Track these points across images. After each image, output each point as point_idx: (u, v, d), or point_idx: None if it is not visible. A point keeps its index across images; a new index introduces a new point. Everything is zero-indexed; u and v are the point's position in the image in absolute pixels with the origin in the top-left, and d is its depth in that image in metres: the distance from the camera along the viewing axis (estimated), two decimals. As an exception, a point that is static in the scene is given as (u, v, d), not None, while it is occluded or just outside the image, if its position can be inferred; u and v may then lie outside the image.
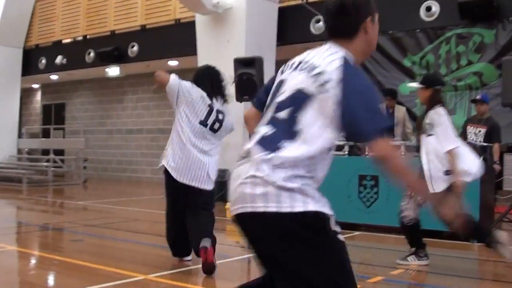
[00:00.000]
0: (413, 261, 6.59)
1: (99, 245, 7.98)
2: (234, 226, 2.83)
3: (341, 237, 2.74)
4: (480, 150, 8.45)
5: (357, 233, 8.93)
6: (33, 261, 7.11)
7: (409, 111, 11.47)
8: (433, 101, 6.34)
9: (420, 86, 6.48)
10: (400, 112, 10.83)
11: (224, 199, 12.20)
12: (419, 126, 6.61)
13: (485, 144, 8.95)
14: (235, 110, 13.02)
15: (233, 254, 7.30)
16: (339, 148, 9.48)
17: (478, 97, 9.94)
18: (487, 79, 11.77)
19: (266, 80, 11.93)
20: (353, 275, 2.74)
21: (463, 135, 9.87)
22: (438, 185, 6.06)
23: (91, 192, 17.23)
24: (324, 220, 2.73)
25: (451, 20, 12.29)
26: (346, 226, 8.97)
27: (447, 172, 6.07)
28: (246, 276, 6.45)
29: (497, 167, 9.20)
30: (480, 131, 9.63)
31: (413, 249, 6.67)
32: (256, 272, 6.37)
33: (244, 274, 6.50)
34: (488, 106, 9.96)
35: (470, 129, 9.80)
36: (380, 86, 12.52)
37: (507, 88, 8.95)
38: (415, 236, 6.71)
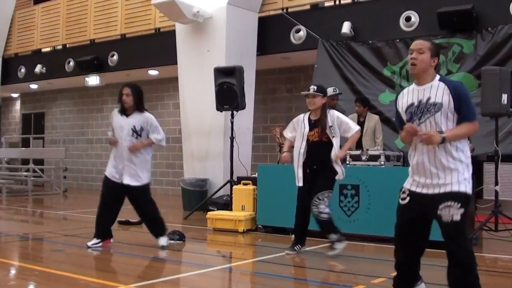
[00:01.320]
0: (339, 245, 7.57)
1: (79, 255, 7.93)
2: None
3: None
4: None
5: (338, 242, 8.93)
6: (12, 272, 7.05)
7: (388, 120, 11.52)
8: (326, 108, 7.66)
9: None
10: (371, 121, 10.89)
11: (205, 208, 12.20)
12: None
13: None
14: (215, 119, 13.13)
15: (215, 264, 7.28)
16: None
17: None
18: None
19: (246, 89, 11.97)
20: None
21: None
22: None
23: (71, 202, 17.13)
24: None
25: (431, 30, 12.37)
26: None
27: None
28: (228, 286, 6.44)
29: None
30: None
31: (335, 236, 7.54)
32: (237, 281, 6.37)
33: (225, 284, 6.50)
34: None
35: None
36: (360, 96, 12.58)
37: (486, 98, 9.03)
38: (332, 225, 7.60)
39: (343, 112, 12.34)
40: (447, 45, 12.12)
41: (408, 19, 12.66)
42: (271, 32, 14.62)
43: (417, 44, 4.68)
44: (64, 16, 19.61)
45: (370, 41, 13.08)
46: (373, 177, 8.91)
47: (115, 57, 17.85)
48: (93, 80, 18.48)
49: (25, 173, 19.55)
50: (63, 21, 19.61)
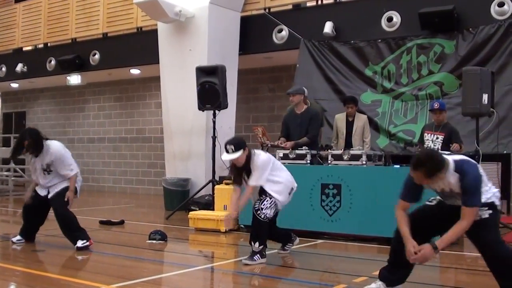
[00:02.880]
0: (259, 260, 7.04)
1: (61, 256, 7.89)
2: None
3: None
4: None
5: (320, 241, 8.96)
6: (-7, 272, 7.01)
7: (370, 120, 11.55)
8: None
9: None
10: (360, 120, 10.90)
11: (187, 208, 12.18)
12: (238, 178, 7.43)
13: (446, 152, 9.02)
14: (197, 118, 13.12)
15: (197, 264, 7.27)
16: (301, 157, 9.51)
17: (435, 106, 9.92)
18: (447, 88, 11.90)
19: (228, 88, 11.97)
20: None
21: (420, 142, 9.97)
22: None
23: (52, 202, 17.01)
24: None
25: (412, 31, 12.43)
26: (309, 235, 9.02)
27: None
28: (210, 286, 6.44)
29: None
30: (437, 138, 9.71)
31: (260, 247, 7.06)
32: (219, 281, 6.36)
33: (207, 283, 6.49)
34: (446, 113, 10.08)
35: (427, 136, 9.88)
36: (342, 96, 12.61)
37: (467, 98, 9.09)
38: (265, 233, 7.18)
39: (324, 112, 12.46)
40: (429, 45, 12.19)
41: (389, 19, 12.72)
42: (253, 32, 14.63)
43: (415, 177, 5.02)
44: (45, 14, 19.50)
45: (352, 41, 13.12)
46: (355, 176, 8.93)
47: (97, 56, 17.78)
48: (74, 79, 18.40)
49: (6, 173, 19.43)
50: (44, 19, 19.50)
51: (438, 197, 5.38)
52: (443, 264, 7.66)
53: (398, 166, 8.76)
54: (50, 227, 8.90)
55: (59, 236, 8.46)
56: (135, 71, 18.18)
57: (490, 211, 5.10)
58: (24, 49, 20.67)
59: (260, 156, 7.22)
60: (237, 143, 7.09)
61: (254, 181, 7.15)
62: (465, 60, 11.65)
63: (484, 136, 10.51)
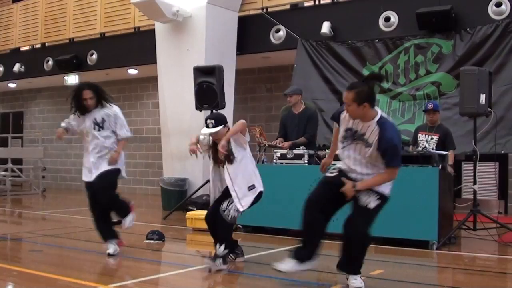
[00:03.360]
0: (220, 265, 6.70)
1: (58, 255, 7.90)
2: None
3: None
4: (439, 158, 8.54)
5: (317, 241, 8.94)
6: (-10, 272, 7.01)
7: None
8: None
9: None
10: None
11: (184, 208, 12.18)
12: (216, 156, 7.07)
13: (444, 152, 9.04)
14: (195, 118, 13.10)
15: (194, 264, 7.27)
16: (299, 157, 9.51)
17: (429, 106, 9.95)
18: (445, 88, 11.91)
19: (225, 88, 11.96)
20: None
21: (414, 142, 9.97)
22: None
23: (50, 202, 17.03)
24: None
25: (410, 31, 12.43)
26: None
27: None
28: (207, 286, 6.44)
29: (450, 170, 9.29)
30: (432, 139, 9.73)
31: (224, 252, 6.77)
32: (216, 281, 6.37)
33: (205, 284, 6.49)
34: (440, 114, 10.12)
35: (422, 137, 9.89)
36: (340, 96, 12.62)
37: (465, 98, 9.08)
38: (230, 234, 6.97)
39: (321, 112, 12.47)
40: (426, 45, 12.20)
41: (387, 19, 12.73)
42: (250, 32, 14.63)
43: (344, 97, 5.54)
44: (43, 14, 19.48)
45: (349, 41, 13.12)
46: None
47: (94, 56, 17.78)
48: (72, 79, 18.37)
49: (3, 173, 19.39)
50: (42, 19, 19.49)
51: (338, 167, 5.91)
52: (440, 264, 7.67)
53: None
54: (48, 227, 8.90)
55: (57, 236, 8.46)
56: (132, 71, 18.18)
57: (378, 202, 5.62)
58: (22, 49, 20.65)
59: None
60: (218, 118, 6.95)
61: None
62: (462, 60, 11.66)
63: (482, 136, 10.50)
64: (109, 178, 7.55)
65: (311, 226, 5.91)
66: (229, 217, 6.72)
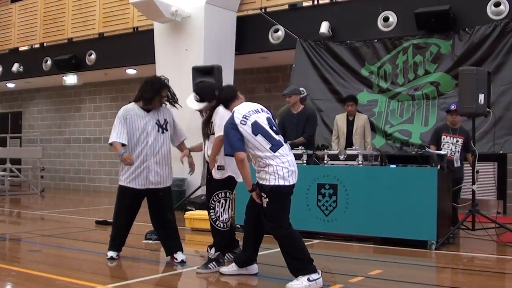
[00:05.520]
0: (214, 268, 6.69)
1: (57, 256, 7.89)
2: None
3: None
4: (438, 159, 8.54)
5: (316, 241, 8.96)
6: (-11, 272, 7.00)
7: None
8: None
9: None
10: (361, 120, 10.91)
11: (183, 208, 12.17)
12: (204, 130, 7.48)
13: (442, 152, 9.02)
14: (193, 118, 13.08)
15: (193, 264, 7.26)
16: (298, 157, 9.50)
17: (452, 107, 9.75)
18: (443, 88, 11.92)
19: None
20: None
21: (435, 143, 9.78)
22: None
23: (49, 202, 17.01)
24: None
25: (408, 31, 12.44)
26: (305, 235, 9.00)
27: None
28: (206, 286, 6.43)
29: (477, 176, 9.25)
30: (457, 141, 9.64)
31: (216, 253, 6.78)
32: (215, 281, 6.37)
33: (203, 284, 6.48)
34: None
35: (447, 139, 9.72)
36: (338, 96, 12.63)
37: (463, 98, 9.08)
38: (223, 240, 6.93)
39: (320, 112, 12.47)
40: (425, 45, 12.21)
41: (386, 19, 12.73)
42: (249, 32, 14.63)
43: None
44: (41, 14, 19.48)
45: (348, 41, 13.13)
46: (351, 176, 8.93)
47: (93, 56, 17.78)
48: (70, 79, 18.39)
49: (2, 173, 19.37)
50: (40, 19, 19.48)
51: None
52: (439, 264, 7.67)
53: (394, 166, 8.74)
54: (46, 227, 8.90)
55: (55, 236, 8.45)
56: (131, 71, 18.16)
57: (267, 200, 5.98)
58: (20, 49, 20.65)
59: (221, 107, 7.13)
60: (202, 93, 7.52)
61: (217, 132, 7.05)
62: (461, 60, 11.66)
63: (481, 136, 10.52)
64: None
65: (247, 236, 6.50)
66: (222, 226, 6.85)
